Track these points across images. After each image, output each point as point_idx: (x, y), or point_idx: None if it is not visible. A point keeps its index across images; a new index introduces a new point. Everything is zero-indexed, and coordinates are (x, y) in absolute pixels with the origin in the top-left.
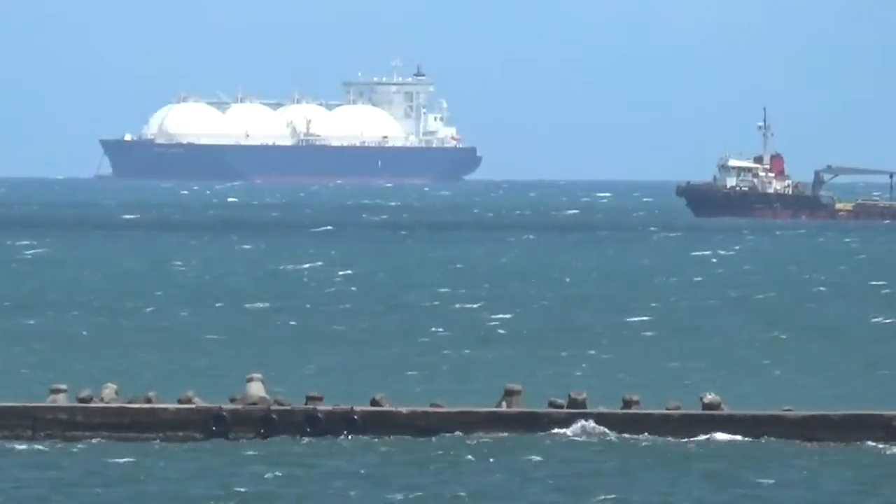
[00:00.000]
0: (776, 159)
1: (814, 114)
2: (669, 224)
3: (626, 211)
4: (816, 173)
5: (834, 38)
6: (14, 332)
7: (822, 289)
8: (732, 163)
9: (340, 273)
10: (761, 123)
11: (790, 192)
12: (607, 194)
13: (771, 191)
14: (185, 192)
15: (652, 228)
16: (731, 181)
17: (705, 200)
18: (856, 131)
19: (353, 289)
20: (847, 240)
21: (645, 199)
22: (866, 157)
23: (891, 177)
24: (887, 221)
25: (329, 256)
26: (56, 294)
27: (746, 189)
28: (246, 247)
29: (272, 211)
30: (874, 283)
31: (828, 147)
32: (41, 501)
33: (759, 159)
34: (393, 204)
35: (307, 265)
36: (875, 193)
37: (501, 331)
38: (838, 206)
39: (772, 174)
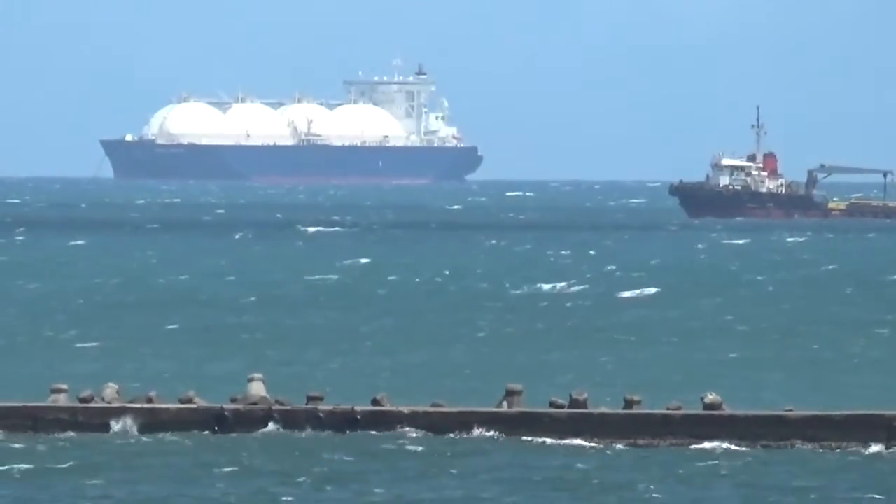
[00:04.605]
0: (769, 158)
1: (807, 112)
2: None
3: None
4: (810, 172)
5: (828, 37)
6: (15, 331)
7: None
8: (725, 161)
9: (343, 273)
10: (755, 122)
11: (783, 191)
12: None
13: (764, 190)
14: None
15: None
16: (724, 180)
17: (698, 199)
18: (849, 130)
19: (354, 287)
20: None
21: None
22: (860, 156)
23: (884, 176)
24: (888, 220)
25: (328, 256)
26: (58, 293)
27: (739, 188)
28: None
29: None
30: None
31: (821, 146)
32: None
33: (752, 158)
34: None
35: (308, 264)
36: None
37: (507, 329)
38: (831, 205)
39: (765, 173)
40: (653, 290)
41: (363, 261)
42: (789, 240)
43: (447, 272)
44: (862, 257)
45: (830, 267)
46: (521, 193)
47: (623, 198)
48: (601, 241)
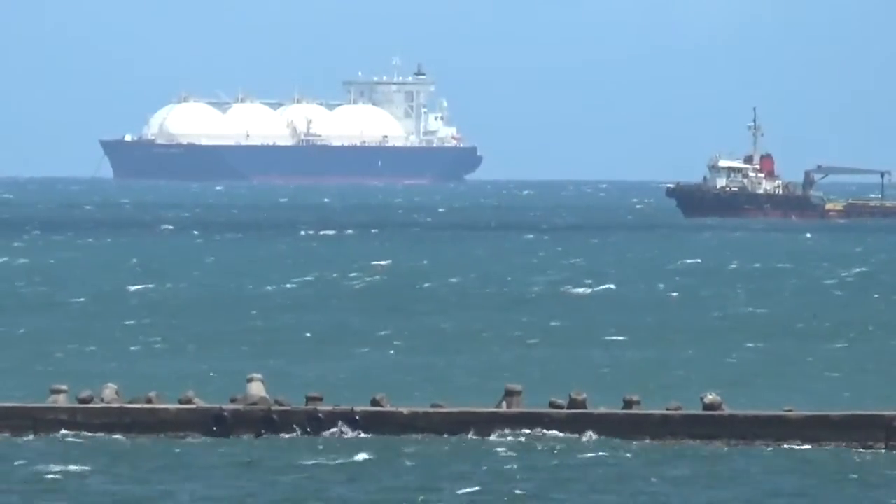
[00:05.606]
0: (766, 159)
1: (804, 114)
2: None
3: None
4: (806, 173)
5: (824, 38)
6: (16, 332)
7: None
8: (722, 163)
9: (340, 274)
10: (751, 123)
11: (780, 192)
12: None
13: (761, 191)
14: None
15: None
16: (721, 181)
17: (695, 201)
18: (846, 131)
19: (361, 288)
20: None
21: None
22: (857, 156)
23: (881, 176)
24: (886, 220)
25: (336, 257)
26: (57, 294)
27: (736, 189)
28: (279, 247)
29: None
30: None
31: (818, 147)
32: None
33: (749, 159)
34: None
35: (314, 265)
36: None
37: (511, 332)
38: (829, 205)
39: (762, 174)
40: (667, 292)
41: (373, 262)
42: (799, 241)
43: (453, 274)
44: (871, 257)
45: (844, 272)
46: (529, 192)
47: (629, 198)
48: (610, 241)
